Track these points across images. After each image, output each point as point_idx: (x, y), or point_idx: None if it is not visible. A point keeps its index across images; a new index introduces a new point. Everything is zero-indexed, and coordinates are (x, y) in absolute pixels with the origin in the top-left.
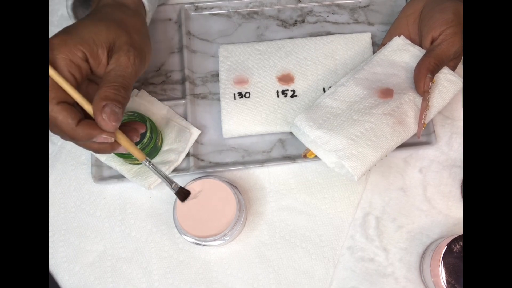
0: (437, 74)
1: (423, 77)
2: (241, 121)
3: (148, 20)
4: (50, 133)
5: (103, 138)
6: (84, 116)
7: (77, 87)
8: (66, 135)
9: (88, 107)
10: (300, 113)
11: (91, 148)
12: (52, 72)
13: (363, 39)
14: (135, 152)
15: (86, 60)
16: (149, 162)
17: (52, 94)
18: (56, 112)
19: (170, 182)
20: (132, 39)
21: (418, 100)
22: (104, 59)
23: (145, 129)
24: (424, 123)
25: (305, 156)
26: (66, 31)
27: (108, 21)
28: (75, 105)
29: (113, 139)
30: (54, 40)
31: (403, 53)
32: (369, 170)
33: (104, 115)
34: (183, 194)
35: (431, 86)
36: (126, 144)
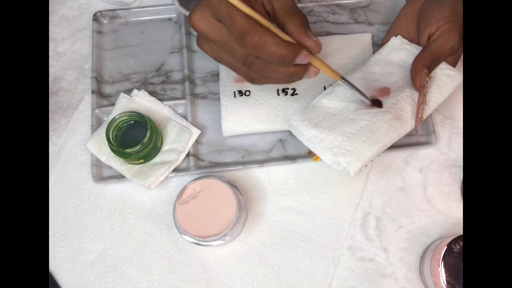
0: (435, 70)
1: (419, 73)
2: (241, 119)
3: None
4: (50, 133)
5: (304, 55)
6: None
7: None
8: (274, 56)
9: (286, 38)
10: (296, 113)
11: (287, 73)
12: (244, 7)
13: (363, 40)
14: (329, 70)
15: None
16: (345, 80)
17: (251, 22)
18: (264, 35)
19: (364, 96)
20: None
21: (416, 96)
22: None
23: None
24: (422, 117)
25: (309, 153)
26: None
27: None
28: None
29: (309, 60)
30: None
31: (400, 52)
32: (366, 165)
33: (313, 37)
34: (378, 102)
35: (428, 81)
36: (320, 64)
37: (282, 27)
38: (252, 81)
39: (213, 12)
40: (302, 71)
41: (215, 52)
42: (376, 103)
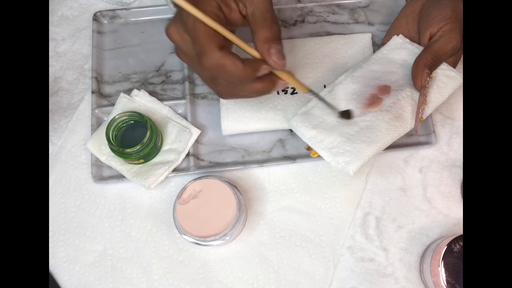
0: (435, 70)
1: (420, 73)
2: (240, 118)
3: None
4: (50, 133)
5: (263, 69)
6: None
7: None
8: (234, 78)
9: (250, 51)
10: (296, 114)
11: (254, 90)
12: (211, 23)
13: (363, 39)
14: (297, 83)
15: (220, 9)
16: (312, 92)
17: (211, 44)
18: (222, 58)
19: (333, 108)
20: None
21: (416, 95)
22: (233, 4)
23: (147, 129)
24: (422, 117)
25: (308, 148)
26: None
27: None
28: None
29: (268, 71)
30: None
31: (401, 51)
32: (365, 164)
33: (273, 56)
34: (346, 114)
35: (429, 81)
36: (287, 77)
37: (253, 36)
38: (222, 96)
39: (184, 26)
40: (270, 86)
41: (190, 63)
42: (345, 115)
